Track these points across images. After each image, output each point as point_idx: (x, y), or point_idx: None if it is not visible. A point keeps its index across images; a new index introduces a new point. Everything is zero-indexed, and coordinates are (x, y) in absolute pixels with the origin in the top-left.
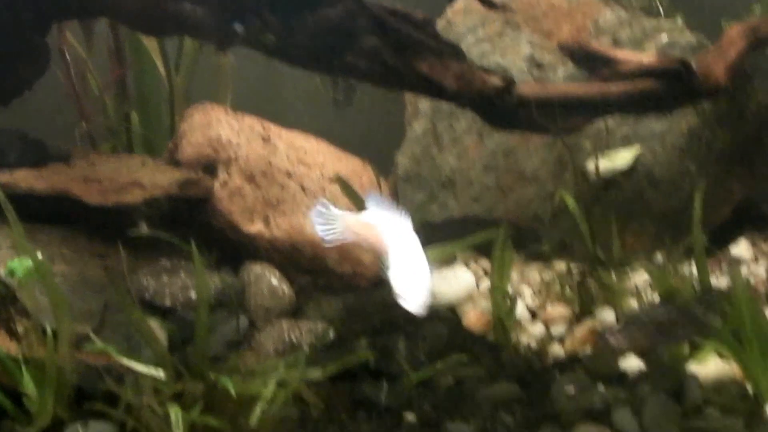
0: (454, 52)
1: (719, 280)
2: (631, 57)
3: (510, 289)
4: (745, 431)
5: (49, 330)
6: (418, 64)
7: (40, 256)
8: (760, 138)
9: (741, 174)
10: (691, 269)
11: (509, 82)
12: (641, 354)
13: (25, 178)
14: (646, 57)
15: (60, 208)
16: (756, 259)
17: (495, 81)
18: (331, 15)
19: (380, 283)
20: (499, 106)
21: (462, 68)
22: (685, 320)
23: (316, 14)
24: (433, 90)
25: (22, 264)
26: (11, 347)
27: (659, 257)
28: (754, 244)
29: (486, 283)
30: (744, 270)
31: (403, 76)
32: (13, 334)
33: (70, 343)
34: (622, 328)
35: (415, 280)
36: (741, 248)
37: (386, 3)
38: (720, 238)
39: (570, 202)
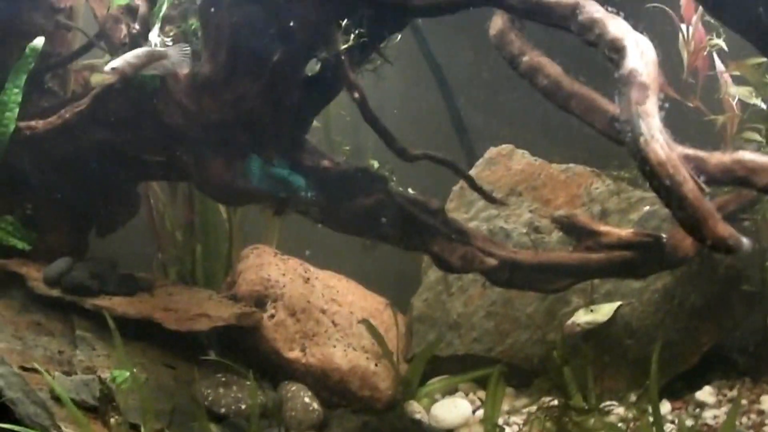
0: (460, 235)
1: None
2: (611, 230)
3: (500, 419)
4: None
5: (142, 426)
6: (431, 243)
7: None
8: (727, 296)
9: (709, 327)
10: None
11: (503, 262)
12: None
13: (120, 304)
14: (624, 231)
15: (144, 329)
16: (719, 404)
17: (492, 261)
18: (366, 203)
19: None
20: (495, 275)
21: (466, 250)
22: None
23: (354, 202)
24: (442, 265)
25: (122, 374)
26: None
27: (632, 398)
28: (719, 390)
29: (480, 412)
30: (707, 413)
31: (420, 250)
32: (108, 425)
33: None
34: None
35: None
36: (705, 393)
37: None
38: (689, 383)
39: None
